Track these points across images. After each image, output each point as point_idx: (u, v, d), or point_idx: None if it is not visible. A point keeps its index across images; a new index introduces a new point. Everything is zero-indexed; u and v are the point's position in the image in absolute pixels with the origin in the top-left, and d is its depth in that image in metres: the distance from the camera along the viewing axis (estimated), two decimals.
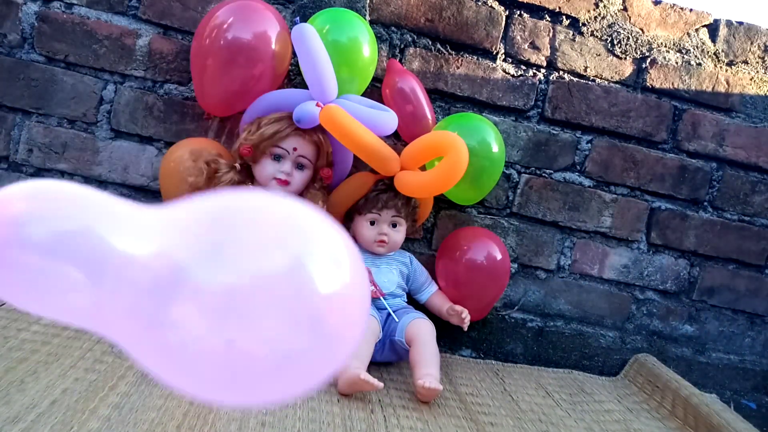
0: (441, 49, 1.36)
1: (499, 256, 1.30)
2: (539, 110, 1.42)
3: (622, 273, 1.50)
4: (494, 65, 1.38)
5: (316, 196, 1.17)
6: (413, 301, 1.32)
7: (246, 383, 0.51)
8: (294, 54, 1.18)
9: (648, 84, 1.44)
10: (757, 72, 1.48)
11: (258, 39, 1.12)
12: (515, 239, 1.44)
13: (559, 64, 1.41)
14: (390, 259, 1.28)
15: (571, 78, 1.42)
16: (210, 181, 1.12)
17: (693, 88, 1.46)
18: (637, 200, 1.48)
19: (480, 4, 1.36)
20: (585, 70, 1.42)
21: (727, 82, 1.47)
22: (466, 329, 1.25)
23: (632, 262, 1.50)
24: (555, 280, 1.47)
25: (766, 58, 1.49)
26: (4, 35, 1.24)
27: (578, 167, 1.45)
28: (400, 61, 1.34)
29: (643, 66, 1.44)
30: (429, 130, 1.26)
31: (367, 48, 1.19)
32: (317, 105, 1.10)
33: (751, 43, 1.48)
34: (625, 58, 1.43)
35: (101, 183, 1.30)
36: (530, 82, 1.40)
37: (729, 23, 1.46)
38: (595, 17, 1.41)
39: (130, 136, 1.29)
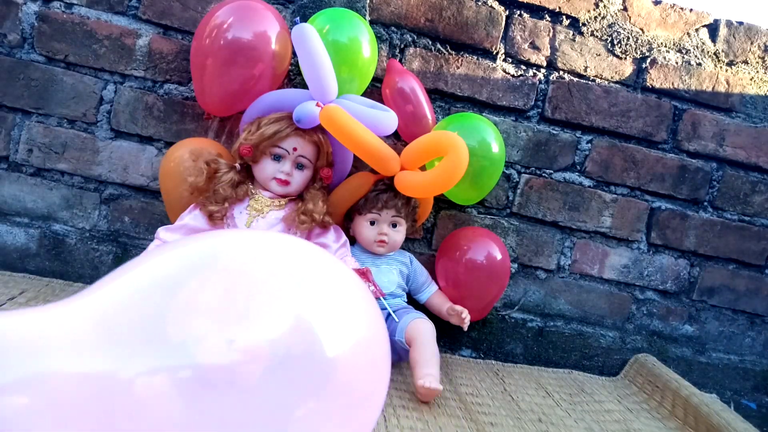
0: (441, 49, 1.36)
1: (499, 256, 1.30)
2: (539, 110, 1.42)
3: (622, 273, 1.50)
4: (494, 65, 1.38)
5: (316, 196, 1.17)
6: (413, 301, 1.32)
7: None
8: (294, 54, 1.18)
9: (648, 84, 1.44)
10: (757, 72, 1.48)
11: (258, 39, 1.12)
12: (515, 239, 1.44)
13: (559, 64, 1.41)
14: (390, 259, 1.28)
15: (571, 78, 1.42)
16: (210, 181, 1.12)
17: (693, 88, 1.46)
18: (637, 200, 1.48)
19: (480, 4, 1.36)
20: (585, 70, 1.42)
21: (727, 82, 1.47)
22: (466, 329, 1.25)
23: (632, 262, 1.50)
24: (555, 280, 1.47)
25: (766, 58, 1.49)
26: (4, 35, 1.24)
27: (578, 167, 1.45)
28: (400, 61, 1.34)
29: (643, 66, 1.44)
30: (429, 130, 1.26)
31: (367, 48, 1.19)
32: (317, 105, 1.10)
33: (751, 43, 1.48)
34: (625, 58, 1.43)
35: (101, 183, 1.30)
36: (530, 82, 1.40)
37: (729, 23, 1.46)
38: (595, 17, 1.41)
39: (130, 136, 1.29)
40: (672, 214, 1.50)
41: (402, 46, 1.35)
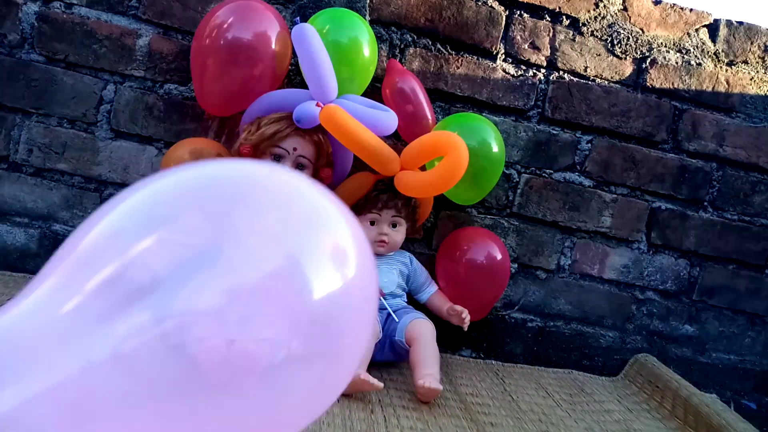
0: (441, 49, 1.36)
1: (499, 256, 1.30)
2: (539, 110, 1.42)
3: (623, 273, 1.50)
4: (494, 65, 1.38)
5: None
6: (413, 301, 1.32)
7: (245, 389, 0.47)
8: (294, 54, 1.18)
9: (648, 84, 1.44)
10: (757, 72, 1.48)
11: (258, 39, 1.12)
12: (515, 239, 1.44)
13: (559, 64, 1.41)
14: (390, 259, 1.28)
15: (571, 78, 1.42)
16: None
17: (693, 88, 1.46)
18: (637, 200, 1.48)
19: (480, 4, 1.36)
20: (585, 70, 1.42)
21: (727, 82, 1.47)
22: (466, 329, 1.25)
23: (632, 262, 1.50)
24: (555, 280, 1.47)
25: (766, 58, 1.49)
26: (4, 35, 1.24)
27: (578, 167, 1.45)
28: (400, 61, 1.34)
29: (643, 66, 1.44)
30: (429, 130, 1.26)
31: (367, 48, 1.19)
32: (317, 105, 1.10)
33: (751, 43, 1.48)
34: (625, 58, 1.43)
35: (101, 183, 1.30)
36: (530, 82, 1.40)
37: (729, 23, 1.46)
38: (595, 17, 1.41)
39: (130, 136, 1.29)
40: (672, 214, 1.50)
41: (402, 46, 1.35)
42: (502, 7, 1.37)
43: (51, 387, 0.42)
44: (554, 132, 1.43)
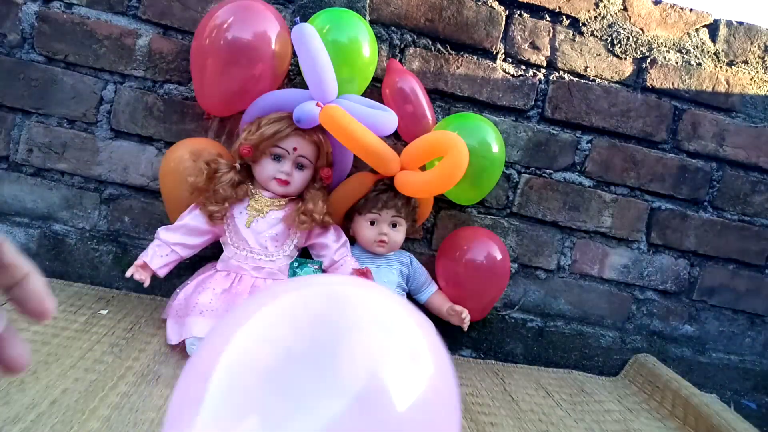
0: (441, 49, 1.36)
1: (499, 256, 1.30)
2: (539, 110, 1.42)
3: (622, 273, 1.50)
4: (494, 65, 1.38)
5: (316, 196, 1.17)
6: (413, 301, 1.32)
7: None
8: (294, 54, 1.18)
9: (648, 84, 1.44)
10: (757, 72, 1.48)
11: (258, 39, 1.12)
12: (515, 239, 1.44)
13: (559, 64, 1.41)
14: (390, 259, 1.28)
15: (571, 78, 1.42)
16: (210, 181, 1.12)
17: (693, 88, 1.46)
18: (637, 200, 1.48)
19: (480, 4, 1.36)
20: (585, 70, 1.42)
21: (727, 82, 1.47)
22: (466, 329, 1.25)
23: (632, 262, 1.50)
24: (555, 280, 1.47)
25: (766, 58, 1.49)
26: (4, 35, 1.24)
27: (578, 167, 1.45)
28: (400, 61, 1.34)
29: (643, 66, 1.44)
30: (429, 130, 1.26)
31: (367, 48, 1.19)
32: (317, 105, 1.10)
33: (751, 43, 1.48)
34: (625, 58, 1.43)
35: (101, 183, 1.30)
36: (530, 82, 1.40)
37: (729, 23, 1.46)
38: (595, 17, 1.41)
39: (130, 136, 1.29)
40: (672, 214, 1.50)
41: (402, 46, 1.35)
42: (502, 7, 1.37)
43: None
44: (554, 132, 1.43)
